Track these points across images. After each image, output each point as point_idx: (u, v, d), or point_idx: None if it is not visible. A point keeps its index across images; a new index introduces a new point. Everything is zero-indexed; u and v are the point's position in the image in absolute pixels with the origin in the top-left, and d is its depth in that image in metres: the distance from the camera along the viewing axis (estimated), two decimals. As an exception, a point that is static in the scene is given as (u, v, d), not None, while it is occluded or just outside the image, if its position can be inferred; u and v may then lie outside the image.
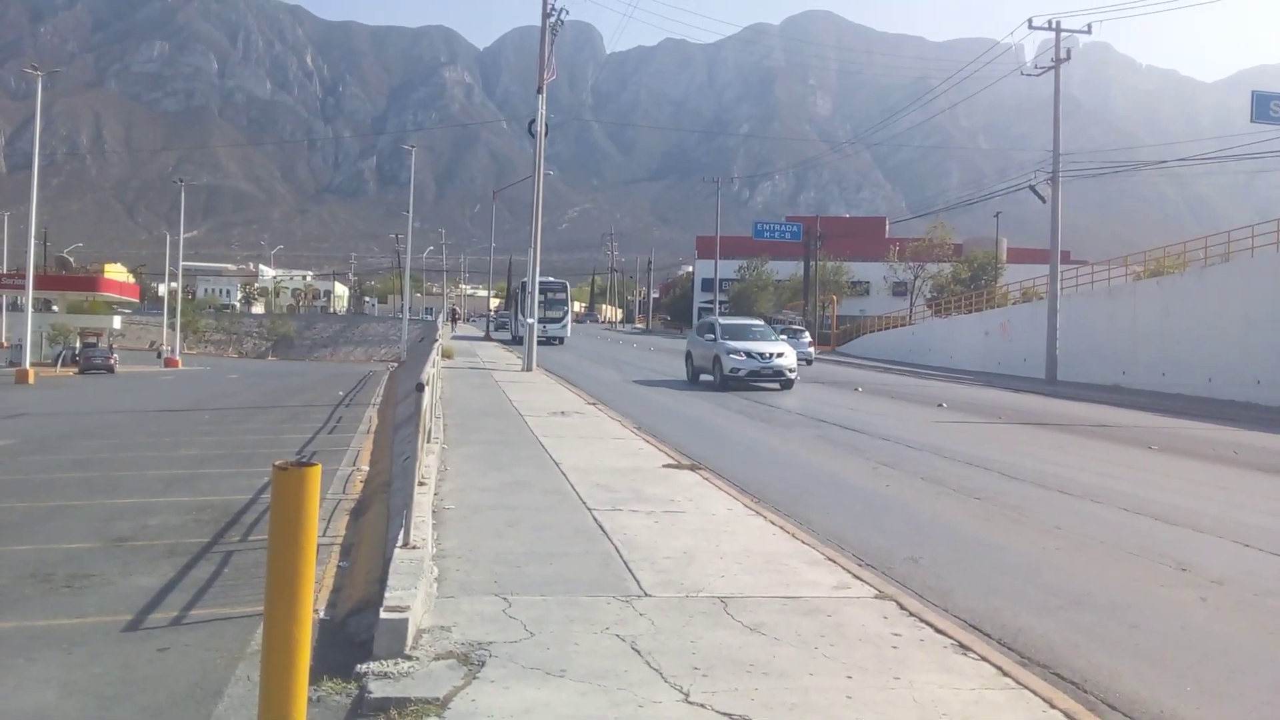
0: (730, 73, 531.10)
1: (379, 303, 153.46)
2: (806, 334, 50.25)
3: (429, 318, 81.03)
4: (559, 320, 54.32)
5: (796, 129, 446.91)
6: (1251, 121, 25.03)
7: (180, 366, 65.86)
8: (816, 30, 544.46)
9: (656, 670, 5.25)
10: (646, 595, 6.70)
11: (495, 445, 13.99)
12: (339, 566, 8.29)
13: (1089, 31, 37.05)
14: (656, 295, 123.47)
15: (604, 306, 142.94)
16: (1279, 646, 6.44)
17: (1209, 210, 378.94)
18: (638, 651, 5.53)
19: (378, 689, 4.98)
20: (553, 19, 31.09)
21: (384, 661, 5.30)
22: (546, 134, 32.05)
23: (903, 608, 6.64)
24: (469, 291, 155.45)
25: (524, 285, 41.88)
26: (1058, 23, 36.58)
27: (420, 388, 8.93)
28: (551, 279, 56.93)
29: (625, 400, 23.02)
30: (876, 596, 6.90)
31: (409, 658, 5.35)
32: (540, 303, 43.90)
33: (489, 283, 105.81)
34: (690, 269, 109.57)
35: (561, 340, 53.82)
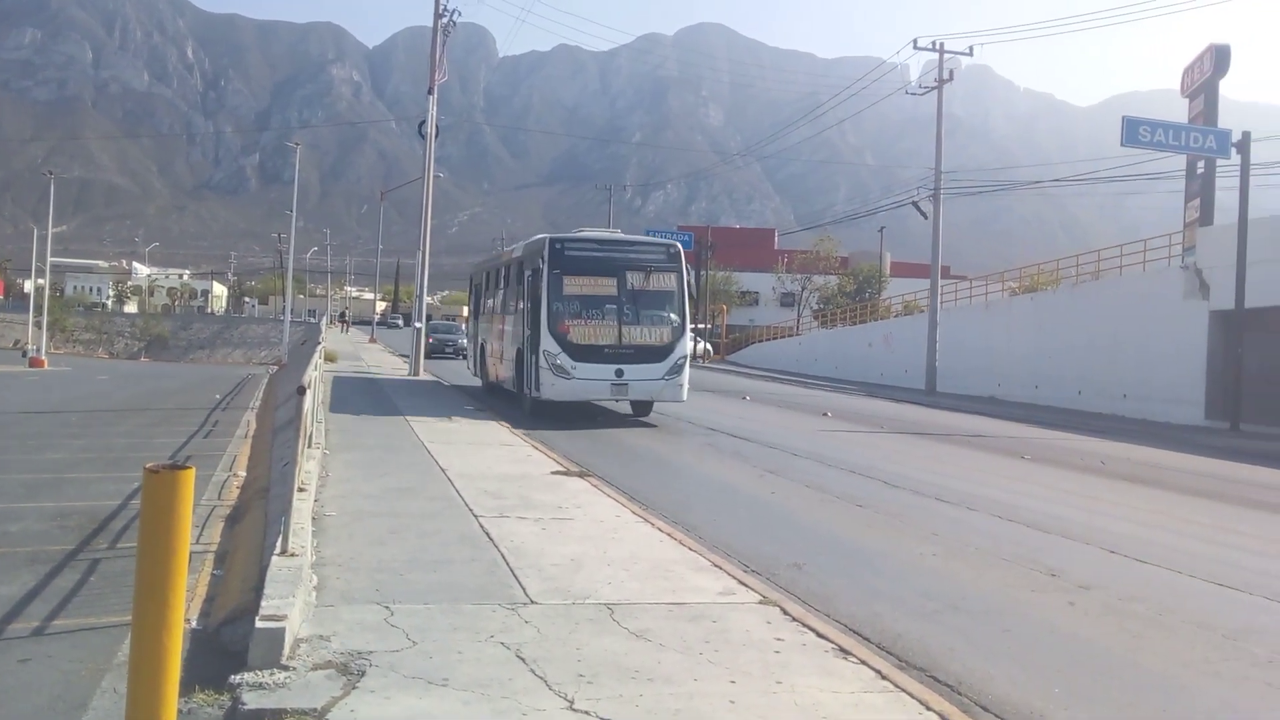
0: (623, 81, 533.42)
1: (259, 304, 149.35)
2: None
3: (312, 320, 79.35)
4: (664, 352, 19.52)
5: (689, 139, 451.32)
6: (1121, 145, 26.15)
7: (46, 367, 62.78)
8: (709, 43, 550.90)
9: (541, 678, 5.21)
10: (532, 603, 6.65)
11: (379, 451, 13.74)
12: (213, 575, 8.01)
13: (970, 54, 38.30)
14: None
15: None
16: (1141, 649, 6.72)
17: (1081, 229, 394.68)
18: (522, 659, 5.48)
19: (252, 700, 4.82)
20: (445, 20, 30.77)
21: (259, 672, 5.14)
22: (437, 135, 31.68)
23: (786, 613, 6.73)
24: (354, 294, 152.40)
25: (542, 253, 19.35)
26: (941, 44, 37.72)
27: (302, 391, 8.71)
28: (643, 238, 23.36)
29: (516, 406, 22.83)
30: (761, 602, 6.98)
31: (285, 668, 5.20)
32: (617, 302, 19.37)
33: (375, 285, 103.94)
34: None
35: (645, 407, 21.35)
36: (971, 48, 38.21)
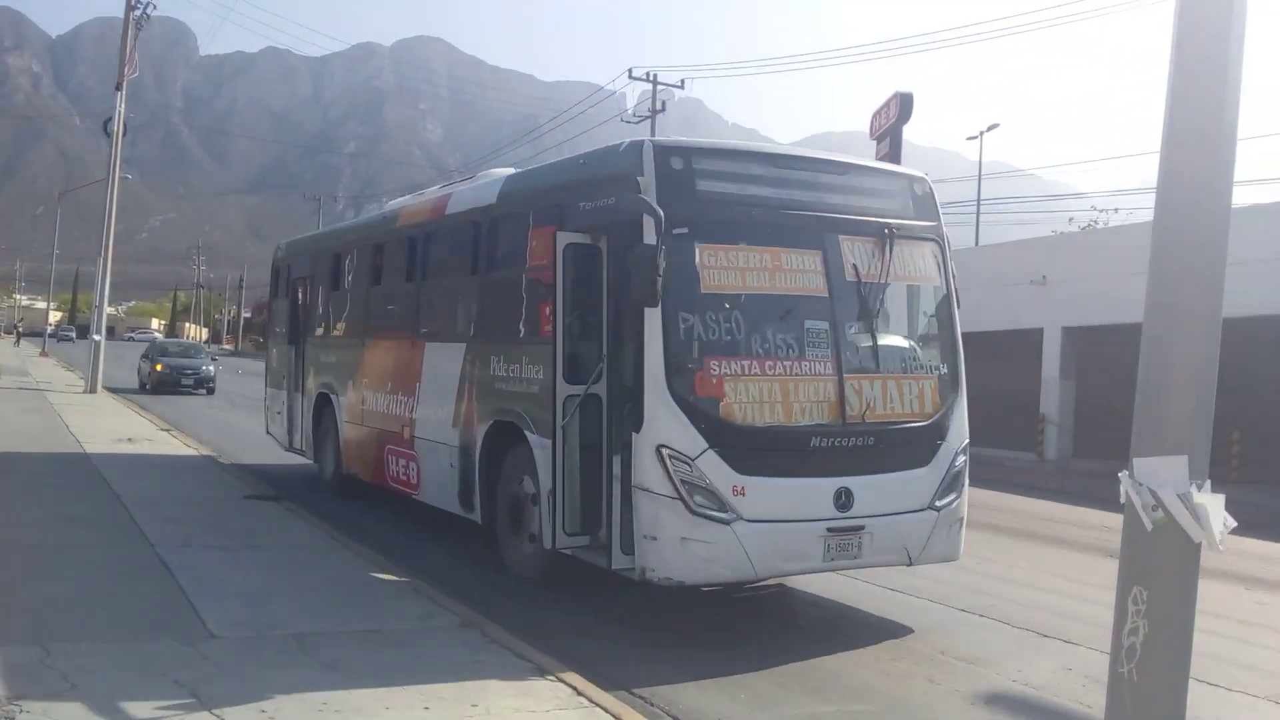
0: (337, 90, 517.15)
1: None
2: None
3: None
4: (929, 440, 7.66)
5: (406, 152, 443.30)
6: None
7: None
8: (428, 56, 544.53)
9: (218, 717, 4.89)
10: (214, 637, 6.24)
11: (45, 476, 12.55)
12: None
13: (682, 87, 40.02)
14: (249, 315, 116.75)
15: (187, 325, 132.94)
16: (809, 645, 7.17)
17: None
18: (198, 698, 5.12)
19: None
20: (137, 12, 28.76)
21: (-120, 731, 4.52)
22: (126, 134, 29.58)
23: (486, 635, 6.68)
24: (26, 303, 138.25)
25: (637, 178, 6.96)
26: (655, 75, 39.21)
27: (-51, 409, 7.77)
28: (859, 161, 8.94)
29: (204, 426, 21.52)
30: (462, 625, 6.90)
31: (-87, 724, 4.60)
32: (829, 312, 7.41)
33: (50, 294, 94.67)
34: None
35: None
36: (684, 80, 40.02)
